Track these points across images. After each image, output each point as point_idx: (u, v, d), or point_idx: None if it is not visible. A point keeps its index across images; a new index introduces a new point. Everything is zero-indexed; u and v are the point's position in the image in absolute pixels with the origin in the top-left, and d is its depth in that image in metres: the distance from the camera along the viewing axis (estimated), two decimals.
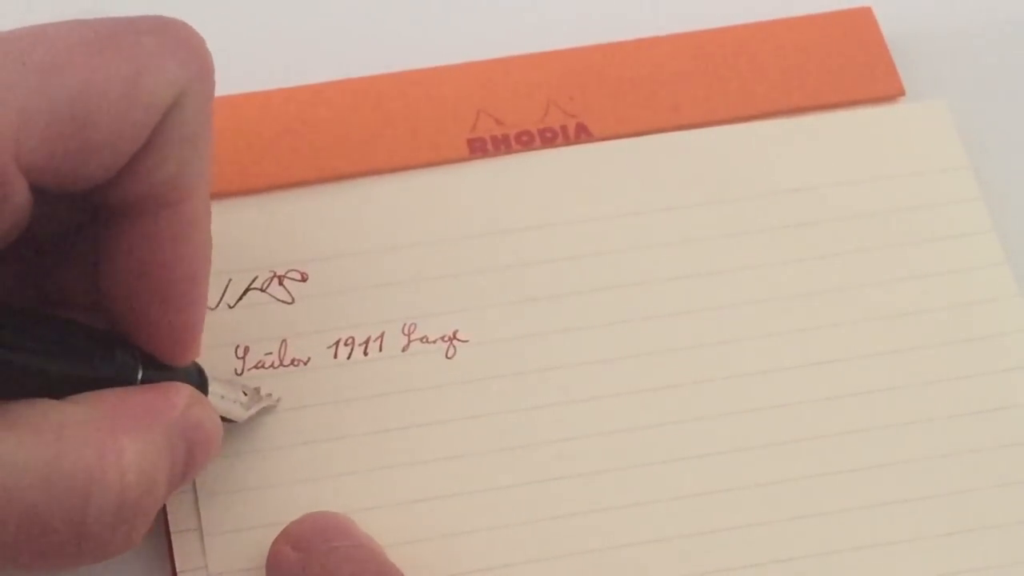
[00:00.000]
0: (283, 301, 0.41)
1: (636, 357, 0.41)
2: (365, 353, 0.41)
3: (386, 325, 0.41)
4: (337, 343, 0.41)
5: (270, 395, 0.40)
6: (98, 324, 0.36)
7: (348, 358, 0.41)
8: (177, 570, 0.38)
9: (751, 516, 0.40)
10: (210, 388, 0.38)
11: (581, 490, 0.40)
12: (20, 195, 0.31)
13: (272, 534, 0.38)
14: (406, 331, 0.41)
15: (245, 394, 0.39)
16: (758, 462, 0.40)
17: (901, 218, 0.43)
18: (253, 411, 0.39)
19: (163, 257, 0.35)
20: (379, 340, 0.41)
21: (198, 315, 0.36)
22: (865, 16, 0.46)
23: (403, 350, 0.41)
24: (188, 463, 0.36)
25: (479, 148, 0.44)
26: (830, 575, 0.39)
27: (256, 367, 0.40)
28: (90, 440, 0.33)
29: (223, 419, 0.38)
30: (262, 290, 0.41)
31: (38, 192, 0.32)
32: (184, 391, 0.36)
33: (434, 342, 0.41)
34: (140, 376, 0.35)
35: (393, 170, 0.43)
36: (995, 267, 0.43)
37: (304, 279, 0.42)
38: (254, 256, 0.41)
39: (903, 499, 0.40)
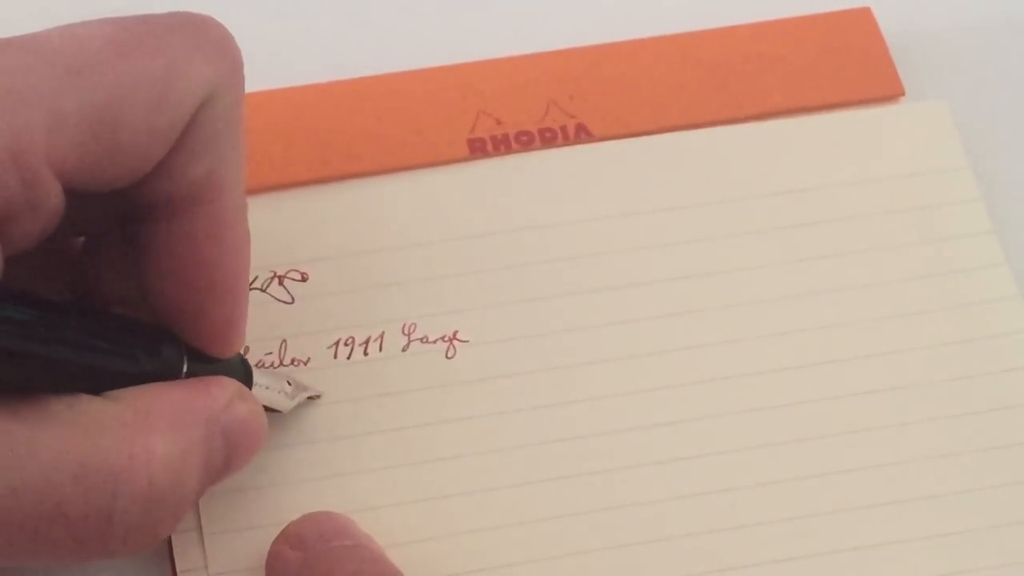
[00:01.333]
0: (283, 301, 0.41)
1: (636, 357, 0.41)
2: (365, 353, 0.41)
3: (386, 325, 0.41)
4: (337, 343, 0.41)
5: (314, 388, 0.40)
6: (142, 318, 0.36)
7: (348, 358, 0.41)
8: (177, 570, 0.38)
9: (751, 516, 0.40)
10: (255, 379, 0.38)
11: (581, 490, 0.40)
12: (53, 196, 0.32)
13: (272, 534, 0.38)
14: (406, 331, 0.41)
15: (289, 384, 0.39)
16: (757, 462, 0.40)
17: (901, 218, 0.43)
18: (298, 401, 0.39)
19: (202, 254, 0.35)
20: (379, 340, 0.41)
21: (240, 308, 0.36)
22: (865, 16, 0.46)
23: (403, 350, 0.41)
24: (230, 456, 0.36)
25: (479, 148, 0.44)
26: (830, 575, 0.39)
27: (256, 367, 0.40)
28: (121, 439, 0.33)
29: (268, 409, 0.38)
30: (262, 290, 0.41)
31: (71, 192, 0.32)
32: (228, 385, 0.36)
33: (434, 342, 0.41)
34: (185, 370, 0.35)
35: (393, 170, 0.43)
36: (995, 267, 0.43)
37: (304, 279, 0.42)
38: (254, 256, 0.41)
39: (903, 499, 0.40)
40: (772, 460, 0.40)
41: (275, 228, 0.42)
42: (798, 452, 0.40)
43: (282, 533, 0.38)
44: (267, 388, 0.38)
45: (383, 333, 0.41)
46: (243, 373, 0.37)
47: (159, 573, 0.39)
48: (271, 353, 0.41)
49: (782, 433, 0.41)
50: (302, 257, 0.42)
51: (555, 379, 0.41)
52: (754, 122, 0.45)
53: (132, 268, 0.36)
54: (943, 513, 0.40)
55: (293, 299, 0.41)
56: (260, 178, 0.42)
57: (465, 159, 0.44)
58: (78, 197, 0.33)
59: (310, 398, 0.40)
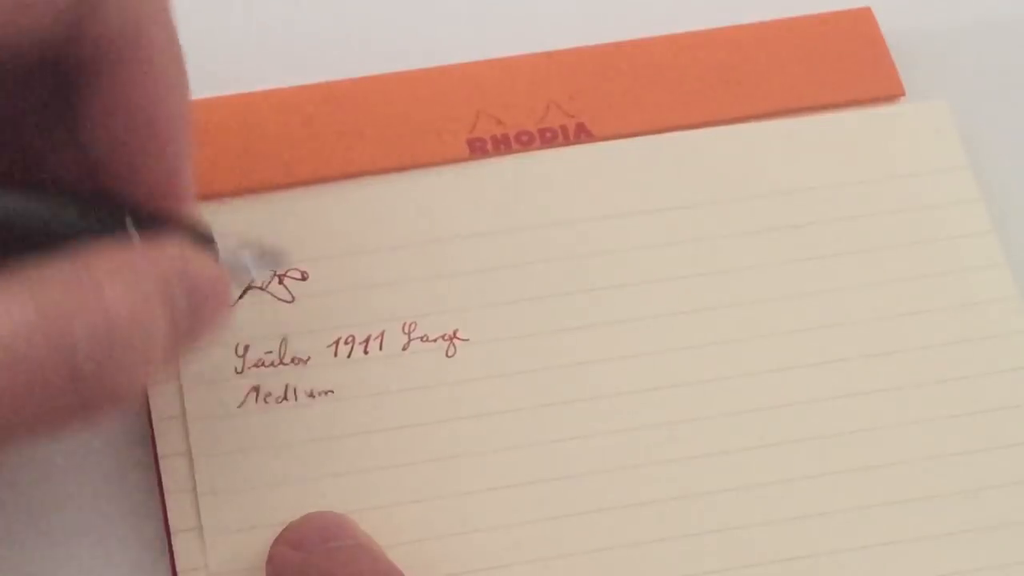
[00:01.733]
0: (283, 300, 0.41)
1: (636, 357, 0.41)
2: (365, 352, 0.41)
3: (386, 324, 0.41)
4: (337, 342, 0.41)
5: (278, 250, 0.39)
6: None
7: (348, 357, 0.41)
8: (177, 570, 0.38)
9: (751, 516, 0.40)
10: (219, 245, 0.36)
11: (581, 490, 0.40)
12: None
13: (272, 534, 0.38)
14: (406, 330, 0.41)
15: (250, 253, 0.38)
16: (756, 462, 0.40)
17: (901, 219, 0.44)
18: (263, 268, 0.38)
19: (136, 100, 0.34)
20: (379, 339, 0.41)
21: (183, 162, 0.35)
22: (865, 16, 0.46)
23: (403, 349, 0.41)
24: (194, 314, 0.34)
25: (479, 148, 0.44)
26: (830, 575, 0.39)
27: (256, 365, 0.40)
28: (71, 286, 0.31)
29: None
30: (262, 288, 0.41)
31: None
32: (180, 244, 0.34)
33: (434, 341, 0.41)
34: (132, 229, 0.34)
35: (393, 170, 0.43)
36: (995, 267, 0.43)
37: (304, 278, 0.42)
38: None
39: (903, 499, 0.40)
40: (772, 460, 0.40)
41: (275, 228, 0.42)
42: (798, 452, 0.40)
43: (282, 533, 0.38)
44: (232, 254, 0.37)
45: (383, 332, 0.41)
46: (200, 236, 0.36)
47: (159, 573, 0.39)
48: (271, 352, 0.41)
49: (782, 433, 0.41)
50: (302, 256, 0.42)
51: (555, 378, 0.41)
52: (754, 122, 0.45)
53: (73, 141, 0.35)
54: (943, 513, 0.40)
55: (293, 298, 0.41)
56: (261, 177, 0.42)
57: (465, 159, 0.44)
58: (6, 68, 0.32)
59: (275, 271, 0.39)
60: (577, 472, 0.40)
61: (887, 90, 0.45)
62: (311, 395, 0.40)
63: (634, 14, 0.47)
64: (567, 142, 0.44)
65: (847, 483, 0.40)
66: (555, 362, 0.41)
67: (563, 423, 0.40)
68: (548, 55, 0.45)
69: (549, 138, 0.44)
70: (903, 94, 0.45)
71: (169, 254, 0.34)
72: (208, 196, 0.40)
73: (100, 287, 0.32)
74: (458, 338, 0.41)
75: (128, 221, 0.34)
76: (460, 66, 0.45)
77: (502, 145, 0.44)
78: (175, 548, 0.38)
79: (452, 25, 0.47)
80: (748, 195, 0.43)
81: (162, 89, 0.34)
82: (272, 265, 0.39)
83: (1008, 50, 0.47)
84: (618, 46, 0.45)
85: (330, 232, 0.42)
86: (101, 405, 0.32)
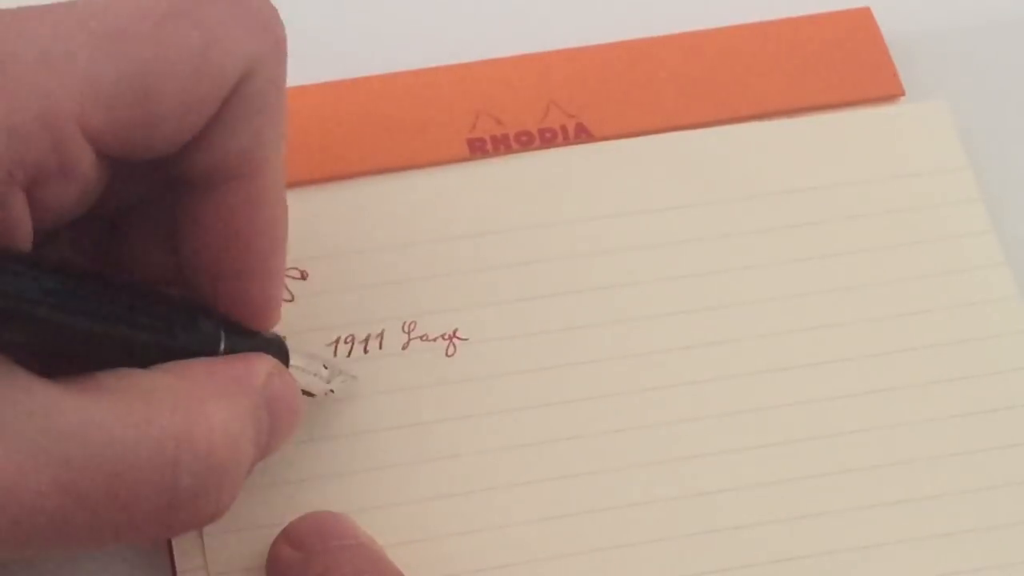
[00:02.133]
0: (283, 300, 0.41)
1: (636, 357, 0.41)
2: (365, 351, 0.41)
3: (386, 323, 0.41)
4: (337, 341, 0.41)
5: (350, 371, 0.40)
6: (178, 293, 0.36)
7: (348, 356, 0.41)
8: (177, 570, 0.38)
9: (751, 516, 0.40)
10: (291, 360, 0.37)
11: (581, 490, 0.40)
12: (86, 162, 0.31)
13: (272, 534, 0.38)
14: (406, 329, 0.41)
15: (325, 368, 0.39)
16: (757, 462, 0.40)
17: (901, 219, 0.43)
18: (333, 385, 0.39)
19: (240, 229, 0.35)
20: (379, 338, 0.41)
21: (277, 283, 0.36)
22: (865, 16, 0.46)
23: (403, 348, 0.41)
24: (272, 433, 0.35)
25: (479, 148, 0.44)
26: (830, 575, 0.39)
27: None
28: (178, 406, 0.32)
29: (303, 392, 0.37)
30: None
31: (108, 162, 0.32)
32: (265, 361, 0.35)
33: (434, 340, 0.41)
34: (223, 346, 0.35)
35: (393, 170, 0.43)
36: (994, 268, 0.43)
37: (304, 277, 0.42)
38: None
39: (903, 499, 0.40)
40: (773, 460, 0.40)
41: None
42: (798, 452, 0.40)
43: (282, 533, 0.38)
44: (303, 370, 0.38)
45: (383, 331, 0.41)
46: (280, 353, 0.37)
47: (159, 573, 0.39)
48: None
49: (782, 433, 0.41)
50: (302, 255, 0.41)
51: (555, 378, 0.41)
52: (754, 122, 0.45)
53: (168, 243, 0.36)
54: (943, 513, 0.40)
55: (293, 297, 0.41)
56: None
57: (465, 159, 0.44)
58: (115, 167, 0.33)
59: (345, 383, 0.40)
60: (577, 472, 0.40)
61: (887, 90, 0.45)
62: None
63: (634, 14, 0.47)
64: (567, 142, 0.44)
65: (847, 483, 0.40)
66: (555, 362, 0.41)
67: (563, 423, 0.40)
68: (548, 55, 0.45)
69: (549, 138, 0.44)
70: (903, 94, 0.45)
71: (259, 372, 0.35)
72: None
73: (206, 412, 0.33)
74: (458, 337, 0.41)
75: (223, 336, 0.35)
76: (460, 66, 0.45)
77: (502, 145, 0.44)
78: (175, 548, 0.38)
79: (452, 25, 0.47)
80: (748, 195, 0.43)
81: (265, 225, 0.35)
82: (340, 379, 0.39)
83: (1008, 50, 0.47)
84: (618, 46, 0.45)
85: (330, 232, 0.42)
86: (189, 525, 0.33)
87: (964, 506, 0.40)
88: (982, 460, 0.41)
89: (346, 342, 0.41)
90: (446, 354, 0.41)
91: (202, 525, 0.34)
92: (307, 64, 0.45)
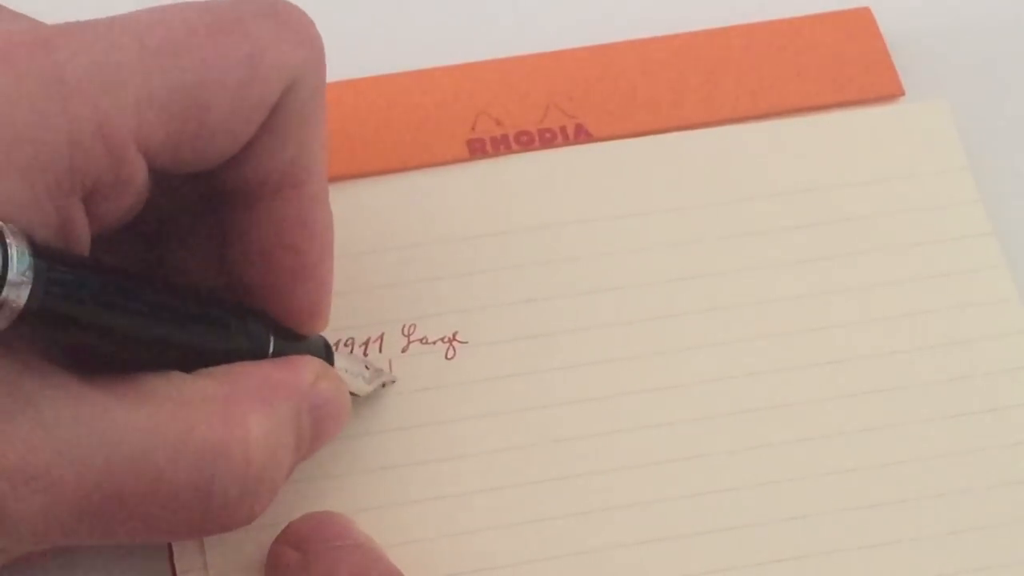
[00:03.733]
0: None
1: (636, 358, 0.41)
2: (365, 354, 0.41)
3: (386, 326, 0.41)
4: (336, 344, 0.41)
5: (390, 372, 0.40)
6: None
7: None
8: (177, 570, 0.38)
9: (751, 516, 0.40)
10: (336, 362, 0.38)
11: (581, 490, 0.40)
12: (139, 175, 0.32)
13: (272, 534, 0.38)
14: (406, 332, 0.41)
15: (367, 368, 0.39)
16: (757, 462, 0.40)
17: (900, 219, 0.43)
18: (375, 385, 0.39)
19: (288, 239, 0.35)
20: (379, 341, 0.41)
21: (326, 289, 0.37)
22: (864, 16, 0.46)
23: (403, 351, 0.41)
24: (316, 435, 0.36)
25: (478, 149, 0.44)
26: (830, 575, 0.39)
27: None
28: (219, 415, 0.33)
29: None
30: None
31: (158, 173, 0.33)
32: (314, 364, 0.36)
33: (434, 343, 0.41)
34: (271, 348, 0.35)
35: (393, 170, 0.43)
36: (994, 268, 0.43)
37: None
38: None
39: (903, 499, 0.40)
40: (773, 460, 0.40)
41: None
42: (798, 452, 0.40)
43: (282, 533, 0.38)
44: (347, 371, 0.38)
45: (383, 334, 0.41)
46: (326, 354, 0.37)
47: (159, 573, 0.39)
48: None
49: (782, 433, 0.41)
50: None
51: (555, 380, 0.41)
52: (754, 122, 0.45)
53: (214, 251, 0.36)
54: (943, 513, 0.40)
55: None
56: None
57: (465, 160, 0.44)
58: (163, 178, 0.33)
59: (384, 384, 0.40)
60: (577, 472, 0.40)
61: (887, 90, 0.45)
62: None
63: (634, 14, 0.47)
64: (566, 142, 0.44)
65: (847, 483, 0.40)
66: (554, 364, 0.41)
67: (562, 424, 0.40)
68: (548, 55, 0.45)
69: (548, 138, 0.44)
70: (903, 94, 0.45)
71: (307, 374, 0.36)
72: None
73: (247, 423, 0.33)
74: (457, 340, 0.41)
75: (271, 341, 0.35)
76: (460, 67, 0.45)
77: (501, 146, 0.44)
78: (175, 548, 0.38)
79: (452, 25, 0.47)
80: (747, 196, 0.43)
81: (313, 235, 0.36)
82: (381, 380, 0.40)
83: (1008, 50, 0.47)
84: (618, 46, 0.45)
85: None
86: (222, 529, 0.34)
87: (965, 506, 0.40)
88: (982, 460, 0.41)
89: (346, 345, 0.41)
90: (446, 357, 0.41)
91: (235, 528, 0.35)
92: None
